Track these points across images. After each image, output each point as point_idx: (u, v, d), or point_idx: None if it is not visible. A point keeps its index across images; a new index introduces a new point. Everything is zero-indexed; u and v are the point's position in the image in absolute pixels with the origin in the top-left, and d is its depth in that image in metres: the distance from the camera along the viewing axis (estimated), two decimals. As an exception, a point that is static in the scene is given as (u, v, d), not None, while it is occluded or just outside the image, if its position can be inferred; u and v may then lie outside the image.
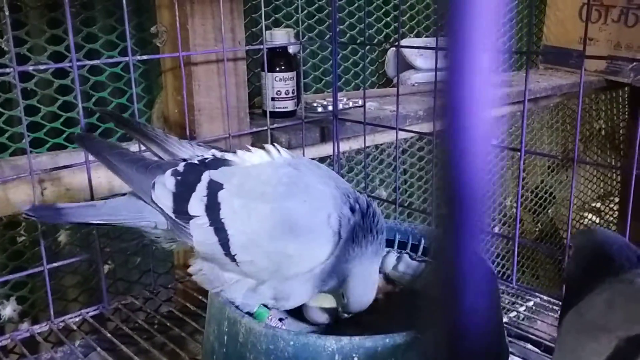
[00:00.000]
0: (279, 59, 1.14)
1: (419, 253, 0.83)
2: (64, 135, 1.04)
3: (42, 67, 0.85)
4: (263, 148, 0.72)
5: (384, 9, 1.51)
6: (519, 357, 0.75)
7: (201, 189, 0.66)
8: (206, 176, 0.67)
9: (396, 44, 1.33)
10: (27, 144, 0.81)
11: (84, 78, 1.03)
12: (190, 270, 0.71)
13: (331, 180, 0.70)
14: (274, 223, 0.65)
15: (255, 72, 1.24)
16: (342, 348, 0.59)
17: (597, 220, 2.27)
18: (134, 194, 0.70)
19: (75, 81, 0.82)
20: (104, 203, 0.71)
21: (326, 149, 1.21)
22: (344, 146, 1.21)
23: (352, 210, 0.68)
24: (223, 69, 1.00)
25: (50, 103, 1.02)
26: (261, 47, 1.05)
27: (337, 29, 1.08)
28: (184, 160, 0.71)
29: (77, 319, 0.87)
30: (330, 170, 0.74)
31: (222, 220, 0.65)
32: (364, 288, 0.70)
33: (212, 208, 0.66)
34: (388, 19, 1.52)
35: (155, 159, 0.73)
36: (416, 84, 1.46)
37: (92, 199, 0.86)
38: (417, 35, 1.58)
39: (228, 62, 1.01)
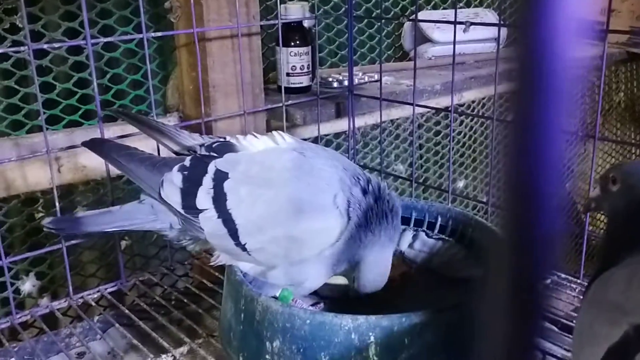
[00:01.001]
0: (294, 33, 1.13)
1: (436, 231, 0.83)
2: (80, 112, 1.04)
3: (56, 44, 0.85)
4: (267, 134, 0.72)
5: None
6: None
7: (207, 182, 0.66)
8: (212, 167, 0.67)
9: (413, 17, 1.31)
10: (44, 121, 0.81)
11: (99, 54, 1.02)
12: (211, 262, 0.71)
13: (339, 162, 0.69)
14: (279, 208, 0.65)
15: (270, 46, 1.23)
16: (359, 327, 0.59)
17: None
18: (148, 197, 0.70)
19: (90, 58, 0.82)
20: (120, 208, 0.72)
21: (341, 125, 1.21)
22: (359, 121, 1.20)
23: (365, 192, 0.67)
24: (237, 45, 0.99)
25: (66, 80, 1.02)
26: (276, 22, 1.03)
27: (353, 1, 1.06)
28: (193, 150, 0.70)
29: (95, 295, 0.88)
30: (337, 153, 0.74)
31: (230, 211, 0.65)
32: (376, 274, 0.70)
33: (219, 199, 0.66)
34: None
35: (170, 154, 0.73)
36: (433, 57, 1.44)
37: (109, 176, 0.86)
38: (435, 8, 1.55)
39: (242, 37, 1.00)
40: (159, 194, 0.68)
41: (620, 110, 2.08)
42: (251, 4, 1.02)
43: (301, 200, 0.66)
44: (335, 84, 1.19)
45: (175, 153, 0.74)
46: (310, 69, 1.16)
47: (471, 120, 1.63)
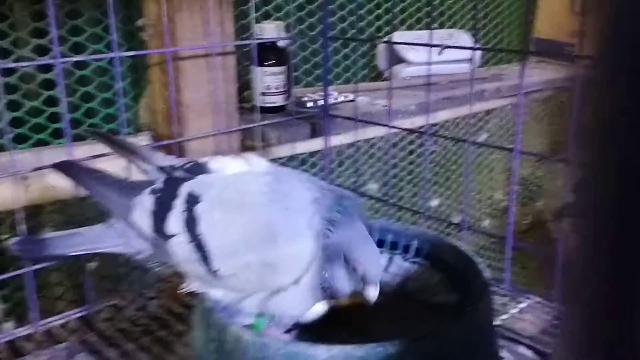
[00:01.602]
0: (269, 52, 1.12)
1: (411, 254, 0.82)
2: (49, 131, 1.01)
3: (24, 63, 0.83)
4: (242, 156, 0.70)
5: (375, 1, 1.48)
6: (511, 361, 0.74)
7: (179, 205, 0.64)
8: (184, 190, 0.65)
9: (388, 39, 1.32)
10: (10, 140, 0.79)
11: (69, 72, 1.00)
12: (182, 289, 0.69)
13: (313, 185, 0.67)
14: (253, 232, 0.63)
15: (245, 65, 1.22)
16: (333, 358, 0.57)
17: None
18: (118, 221, 0.68)
19: (59, 77, 0.80)
20: (88, 230, 0.69)
21: (316, 144, 1.20)
22: (335, 140, 1.20)
23: (340, 214, 0.66)
24: (211, 64, 0.98)
25: (35, 97, 1.00)
26: (251, 42, 1.02)
27: (328, 21, 1.06)
28: (166, 170, 0.68)
29: (61, 322, 0.85)
30: (311, 176, 0.72)
31: (201, 236, 0.63)
32: (368, 248, 0.66)
33: (191, 224, 0.63)
34: (379, 11, 1.50)
35: (143, 175, 0.71)
36: (408, 78, 1.44)
37: (76, 198, 0.84)
38: (409, 28, 1.56)
39: (217, 56, 0.99)
40: (129, 217, 0.66)
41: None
42: (226, 23, 1.01)
43: (275, 224, 0.64)
44: (310, 104, 1.18)
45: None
46: (286, 89, 1.15)
47: (442, 138, 1.64)
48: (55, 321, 0.84)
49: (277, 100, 1.14)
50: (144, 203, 0.65)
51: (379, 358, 0.57)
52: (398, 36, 1.43)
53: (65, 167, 0.71)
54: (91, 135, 0.81)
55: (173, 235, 0.64)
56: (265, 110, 1.11)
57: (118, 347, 0.80)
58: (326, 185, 0.70)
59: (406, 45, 1.39)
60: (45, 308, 1.06)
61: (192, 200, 0.64)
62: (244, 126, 1.04)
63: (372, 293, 0.66)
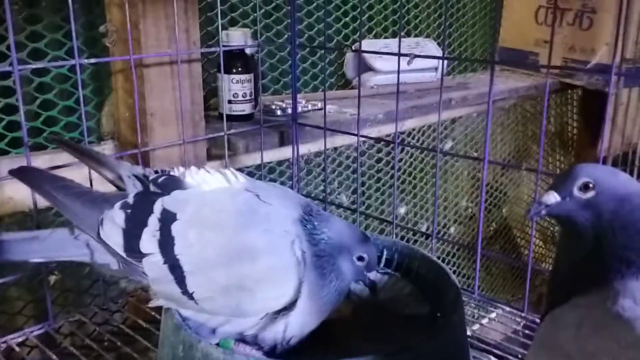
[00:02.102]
0: (236, 60, 1.10)
1: (381, 265, 0.81)
2: (6, 140, 0.98)
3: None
4: (220, 171, 0.68)
5: (342, 9, 1.48)
6: (483, 372, 0.74)
7: (153, 223, 0.61)
8: (159, 206, 0.62)
9: (357, 48, 1.31)
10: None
11: (28, 79, 0.97)
12: (150, 303, 0.66)
13: (291, 202, 0.66)
14: (232, 255, 0.61)
15: (211, 72, 1.20)
16: (306, 374, 0.56)
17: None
18: (83, 233, 0.64)
19: (17, 84, 0.76)
20: (50, 234, 0.65)
21: (284, 153, 1.18)
22: (303, 149, 1.18)
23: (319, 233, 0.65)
24: (177, 71, 0.96)
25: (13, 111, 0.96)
26: (217, 49, 1.00)
27: (296, 29, 1.04)
28: (139, 180, 0.66)
29: (20, 339, 0.81)
30: (287, 189, 0.71)
31: (177, 257, 0.61)
32: (365, 239, 0.69)
33: (166, 243, 0.61)
34: (347, 19, 1.49)
35: (108, 185, 0.68)
36: (375, 86, 1.44)
37: (36, 208, 0.81)
38: (376, 36, 1.56)
39: (182, 64, 0.97)
40: (98, 233, 0.63)
41: (550, 136, 2.15)
42: (191, 30, 0.99)
43: (257, 248, 0.62)
44: (278, 112, 1.17)
45: (114, 184, 0.69)
46: (253, 96, 1.13)
47: (411, 148, 1.64)
48: (13, 339, 0.81)
49: (245, 109, 1.12)
50: (115, 219, 0.62)
51: (352, 374, 0.56)
52: (365, 44, 1.42)
53: (26, 175, 0.67)
54: (54, 142, 0.78)
55: (146, 255, 0.61)
56: (232, 119, 1.09)
57: (80, 365, 0.77)
58: (301, 201, 0.68)
59: (374, 54, 1.39)
60: (4, 324, 1.02)
61: (168, 218, 0.61)
62: (210, 135, 1.02)
63: (373, 276, 0.71)
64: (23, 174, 0.67)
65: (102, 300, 0.92)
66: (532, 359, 0.50)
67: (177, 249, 0.61)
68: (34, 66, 0.86)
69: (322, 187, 1.44)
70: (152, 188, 0.64)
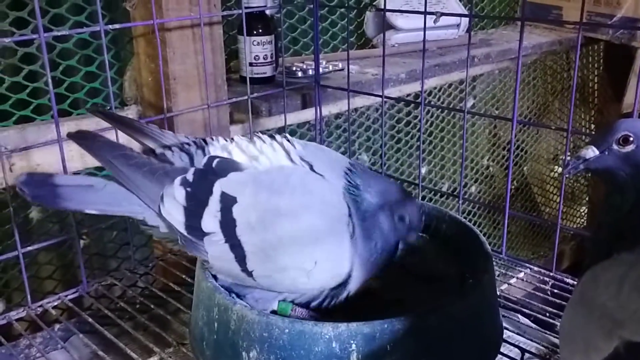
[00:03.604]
0: (256, 22, 1.09)
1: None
2: (32, 107, 0.98)
3: (6, 39, 0.78)
4: (271, 137, 0.68)
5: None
6: (512, 331, 0.74)
7: (214, 204, 0.62)
8: (217, 188, 0.63)
9: (377, 5, 1.29)
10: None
11: (50, 46, 0.97)
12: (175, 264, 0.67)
13: (338, 164, 0.67)
14: (292, 238, 0.62)
15: (231, 34, 1.19)
16: (340, 335, 0.57)
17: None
18: (145, 205, 0.64)
19: (43, 51, 0.76)
20: (104, 186, 0.64)
21: (306, 115, 1.18)
22: (324, 111, 1.17)
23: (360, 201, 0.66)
24: (198, 35, 0.95)
25: (14, 73, 0.96)
26: (239, 11, 0.99)
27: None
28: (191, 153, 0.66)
29: (55, 303, 0.83)
30: (331, 151, 0.71)
31: (239, 237, 0.62)
32: (407, 198, 0.69)
33: (227, 224, 0.62)
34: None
35: (157, 159, 0.67)
36: (396, 45, 1.42)
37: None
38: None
39: (204, 27, 0.95)
40: (159, 208, 0.63)
41: (571, 93, 2.12)
42: (212, -9, 0.97)
43: (315, 231, 0.63)
44: (299, 74, 1.16)
45: (154, 154, 0.68)
46: (274, 59, 1.12)
47: (437, 108, 1.62)
48: (49, 303, 0.82)
49: (266, 71, 1.11)
50: (176, 195, 0.62)
51: (385, 334, 0.57)
52: (387, 2, 1.40)
53: (86, 140, 0.65)
54: (93, 112, 0.78)
55: (208, 234, 0.63)
56: (254, 81, 1.08)
57: (114, 326, 0.79)
58: (345, 162, 0.68)
59: (395, 12, 1.36)
60: (36, 289, 1.04)
61: (228, 200, 0.62)
62: (235, 99, 1.02)
63: (414, 237, 0.70)
64: (82, 139, 0.66)
65: (132, 264, 0.94)
66: (570, 316, 0.49)
67: (238, 230, 0.62)
68: (59, 33, 0.85)
69: (342, 149, 1.43)
70: (207, 167, 0.64)
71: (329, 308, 0.67)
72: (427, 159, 1.71)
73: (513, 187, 2.17)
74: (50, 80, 0.78)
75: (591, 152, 0.51)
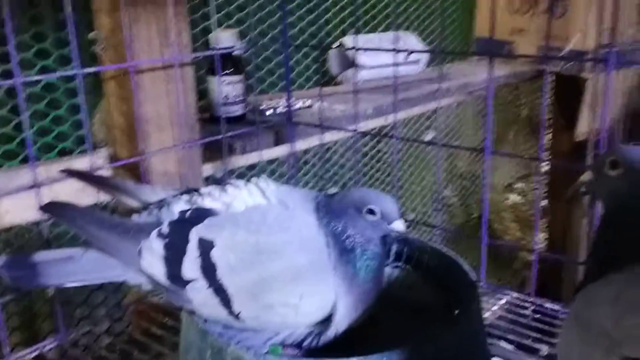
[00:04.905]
0: (226, 61, 1.10)
1: (391, 259, 0.82)
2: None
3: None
4: (247, 184, 0.68)
5: (323, 6, 1.48)
6: (500, 357, 0.76)
7: (192, 251, 0.62)
8: (194, 235, 0.63)
9: (339, 44, 1.32)
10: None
11: (38, 96, 0.95)
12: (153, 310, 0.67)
13: (308, 200, 0.67)
14: (274, 275, 0.63)
15: (199, 75, 1.19)
16: (339, 373, 0.56)
17: (522, 200, 2.37)
18: (124, 264, 0.64)
19: (20, 99, 0.75)
20: (83, 254, 0.64)
21: (277, 152, 1.19)
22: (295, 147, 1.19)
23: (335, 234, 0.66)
24: (169, 76, 0.95)
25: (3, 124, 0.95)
26: (212, 52, 1.00)
27: (287, 27, 1.04)
28: (159, 203, 0.66)
29: (34, 354, 0.80)
30: (307, 191, 0.72)
31: (220, 281, 0.62)
32: (374, 192, 0.69)
33: (208, 268, 0.62)
34: (328, 15, 1.50)
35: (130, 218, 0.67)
36: (360, 81, 1.45)
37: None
38: (357, 32, 1.56)
39: (176, 68, 0.96)
40: (138, 264, 0.63)
41: (523, 122, 2.20)
42: (183, 34, 0.98)
43: (296, 266, 0.63)
44: (269, 112, 1.17)
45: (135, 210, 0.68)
46: (244, 97, 1.13)
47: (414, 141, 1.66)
48: (26, 355, 0.80)
49: (237, 110, 1.12)
50: (154, 247, 0.62)
51: (383, 368, 0.57)
52: (350, 41, 1.43)
53: (59, 210, 0.66)
54: (69, 176, 0.77)
55: (190, 281, 0.62)
56: (226, 120, 1.09)
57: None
58: (311, 192, 0.69)
59: (359, 50, 1.39)
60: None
61: (205, 245, 0.62)
62: (210, 138, 1.02)
63: (400, 226, 0.67)
64: (54, 209, 0.67)
65: (109, 310, 0.92)
66: (566, 336, 0.51)
67: (219, 273, 0.62)
68: (37, 77, 0.84)
69: (311, 184, 1.45)
70: (183, 216, 0.64)
71: (319, 347, 0.66)
72: (392, 190, 1.74)
73: (474, 216, 2.22)
74: (28, 134, 0.77)
75: (587, 176, 0.55)
